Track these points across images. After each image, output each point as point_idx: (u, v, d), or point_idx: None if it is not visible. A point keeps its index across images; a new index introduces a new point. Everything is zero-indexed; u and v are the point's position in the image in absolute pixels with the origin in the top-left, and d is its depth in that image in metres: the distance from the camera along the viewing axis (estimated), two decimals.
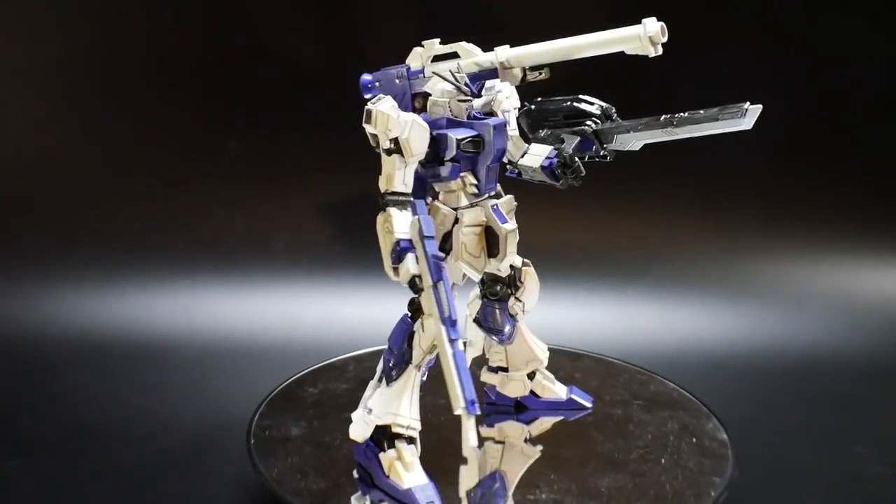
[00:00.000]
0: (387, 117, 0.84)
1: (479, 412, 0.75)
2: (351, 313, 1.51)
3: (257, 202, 1.58)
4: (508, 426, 1.09)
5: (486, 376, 1.12)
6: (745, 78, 1.56)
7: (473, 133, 0.88)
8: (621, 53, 0.94)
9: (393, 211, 0.85)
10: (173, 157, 1.58)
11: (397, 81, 0.95)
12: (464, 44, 0.94)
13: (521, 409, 1.12)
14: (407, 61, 0.96)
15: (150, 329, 1.45)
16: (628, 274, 1.45)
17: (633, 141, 0.93)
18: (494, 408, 1.12)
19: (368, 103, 0.85)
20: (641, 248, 1.54)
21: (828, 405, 1.33)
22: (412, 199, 0.86)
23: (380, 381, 0.96)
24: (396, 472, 0.92)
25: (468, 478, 0.96)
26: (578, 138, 0.92)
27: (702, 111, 0.91)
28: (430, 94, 0.93)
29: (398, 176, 0.86)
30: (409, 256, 0.84)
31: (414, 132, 0.85)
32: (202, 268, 1.54)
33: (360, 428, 0.95)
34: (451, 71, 0.91)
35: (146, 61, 1.54)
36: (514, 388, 1.11)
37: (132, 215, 1.56)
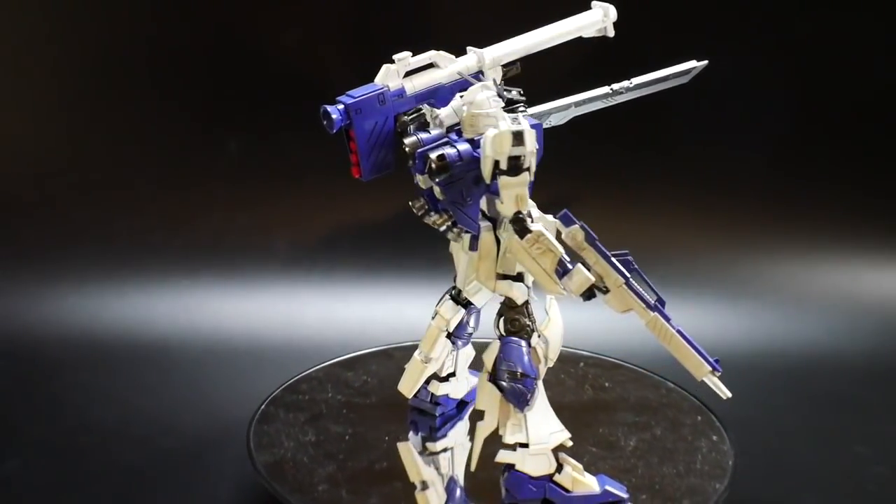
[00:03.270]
0: (533, 134, 0.81)
1: (721, 370, 0.85)
2: (351, 313, 1.51)
3: (257, 202, 1.58)
4: (454, 431, 1.07)
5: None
6: (744, 78, 1.56)
7: None
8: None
9: (543, 229, 0.83)
10: (173, 157, 1.58)
11: (379, 105, 0.87)
12: (442, 53, 0.91)
13: None
14: (379, 80, 0.89)
15: (150, 329, 1.45)
16: None
17: (567, 118, 0.94)
18: None
19: (509, 123, 0.80)
20: (641, 248, 1.53)
21: (828, 405, 1.32)
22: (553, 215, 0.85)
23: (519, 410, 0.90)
24: (581, 482, 0.90)
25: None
26: None
27: (648, 77, 0.95)
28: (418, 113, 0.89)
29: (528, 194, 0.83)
30: (579, 266, 0.83)
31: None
32: (202, 268, 1.54)
33: (542, 464, 0.90)
34: (494, 80, 0.89)
35: (146, 61, 1.54)
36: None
37: (132, 215, 1.56)
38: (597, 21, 0.97)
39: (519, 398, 0.88)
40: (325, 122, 0.87)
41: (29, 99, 1.57)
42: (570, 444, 0.91)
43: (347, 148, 0.89)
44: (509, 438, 0.89)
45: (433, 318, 1.00)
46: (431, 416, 1.08)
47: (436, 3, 1.54)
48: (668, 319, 0.85)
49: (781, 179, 1.61)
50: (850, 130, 1.61)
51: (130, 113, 1.56)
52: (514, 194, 0.82)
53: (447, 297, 1.00)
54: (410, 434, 1.07)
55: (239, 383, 1.31)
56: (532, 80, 0.94)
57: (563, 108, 0.93)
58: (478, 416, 0.92)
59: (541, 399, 0.90)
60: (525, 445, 0.89)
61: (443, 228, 0.91)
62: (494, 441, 0.91)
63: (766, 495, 1.10)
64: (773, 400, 1.33)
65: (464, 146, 0.85)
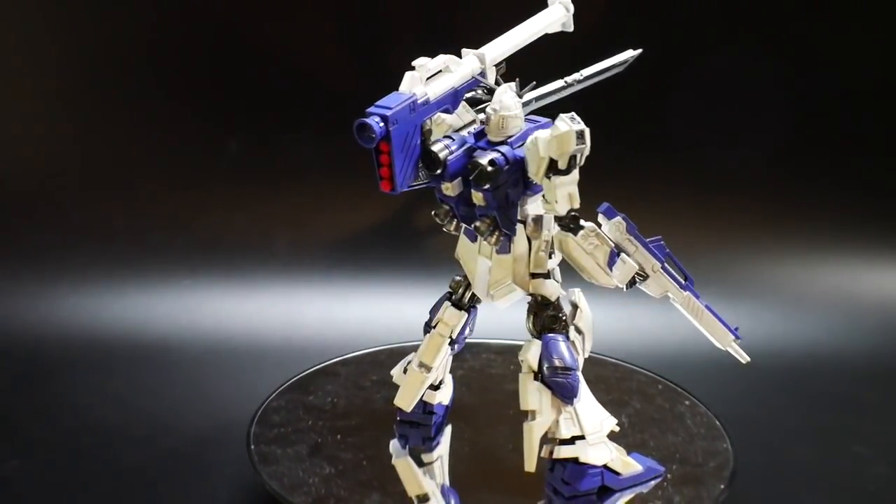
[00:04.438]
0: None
1: (742, 338, 0.93)
2: (351, 313, 1.51)
3: (258, 202, 1.57)
4: (444, 438, 1.07)
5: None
6: (744, 78, 1.56)
7: None
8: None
9: (593, 224, 0.87)
10: (173, 157, 1.58)
11: (410, 114, 0.84)
12: (453, 57, 0.90)
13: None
14: (405, 88, 0.85)
15: (151, 329, 1.45)
16: None
17: (527, 112, 0.95)
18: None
19: (570, 123, 0.82)
20: None
21: (828, 405, 1.32)
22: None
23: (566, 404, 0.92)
24: (630, 463, 0.94)
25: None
26: None
27: (595, 68, 0.98)
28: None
29: None
30: (624, 256, 0.88)
31: None
32: (202, 268, 1.54)
33: (603, 452, 0.93)
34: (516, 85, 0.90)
35: (147, 61, 1.54)
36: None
37: (132, 215, 1.56)
38: (560, 17, 0.97)
39: (568, 392, 0.90)
40: (360, 136, 0.82)
41: (29, 99, 1.57)
42: (617, 429, 0.94)
43: (376, 162, 0.84)
44: (565, 433, 0.91)
45: (433, 326, 0.99)
46: (425, 427, 1.05)
47: (433, 4, 1.54)
48: (697, 297, 0.92)
49: (781, 179, 1.61)
50: (850, 130, 1.61)
51: (131, 113, 1.55)
52: (567, 192, 0.85)
53: (447, 303, 0.99)
54: (395, 447, 1.04)
55: (239, 383, 1.31)
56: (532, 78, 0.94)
57: (527, 104, 0.94)
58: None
59: (585, 390, 0.93)
60: (581, 437, 0.91)
61: (485, 235, 0.89)
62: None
63: (766, 495, 1.10)
64: (773, 400, 1.33)
65: (506, 149, 0.87)
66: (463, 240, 0.95)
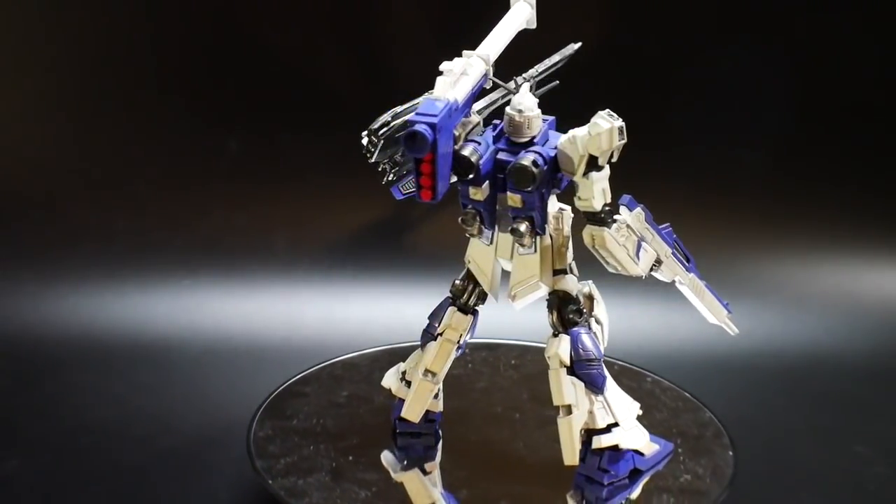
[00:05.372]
0: None
1: (732, 311, 0.98)
2: (351, 313, 1.51)
3: (258, 202, 1.57)
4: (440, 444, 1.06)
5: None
6: (744, 78, 1.56)
7: None
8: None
9: (622, 216, 0.89)
10: (173, 157, 1.58)
11: (448, 120, 0.82)
12: (468, 60, 0.89)
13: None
14: (440, 93, 0.83)
15: (150, 329, 1.45)
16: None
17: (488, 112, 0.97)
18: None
19: (611, 120, 0.84)
20: None
21: (828, 405, 1.32)
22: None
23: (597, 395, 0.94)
24: (651, 445, 0.99)
25: None
26: None
27: (543, 65, 0.99)
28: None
29: None
30: (644, 245, 0.91)
31: None
32: (202, 268, 1.54)
33: (640, 435, 0.97)
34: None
35: (147, 61, 1.54)
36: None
37: (132, 215, 1.56)
38: (528, 13, 0.96)
39: (599, 382, 0.93)
40: (410, 147, 0.79)
41: (29, 99, 1.56)
42: (640, 412, 0.98)
43: (416, 171, 0.82)
44: (601, 423, 0.93)
45: (440, 333, 0.97)
46: (427, 436, 1.04)
47: (433, 4, 1.54)
48: (700, 277, 0.97)
49: (781, 179, 1.61)
50: (851, 130, 1.61)
51: (130, 113, 1.55)
52: (602, 188, 0.87)
53: (452, 309, 0.98)
54: (390, 460, 1.02)
55: (239, 383, 1.31)
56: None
57: (492, 103, 0.96)
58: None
59: (609, 378, 0.95)
60: (616, 424, 0.94)
61: (524, 237, 0.89)
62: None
63: (766, 495, 1.10)
64: (773, 400, 1.33)
65: (540, 149, 0.87)
66: (475, 243, 0.95)
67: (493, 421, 1.10)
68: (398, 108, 0.90)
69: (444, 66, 0.86)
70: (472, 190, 0.89)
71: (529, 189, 0.86)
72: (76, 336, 1.43)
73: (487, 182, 0.88)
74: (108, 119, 1.56)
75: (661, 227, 0.93)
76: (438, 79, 0.84)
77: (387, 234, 1.57)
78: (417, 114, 0.80)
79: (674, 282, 0.96)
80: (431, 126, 0.79)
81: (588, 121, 0.86)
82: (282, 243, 1.58)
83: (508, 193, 0.88)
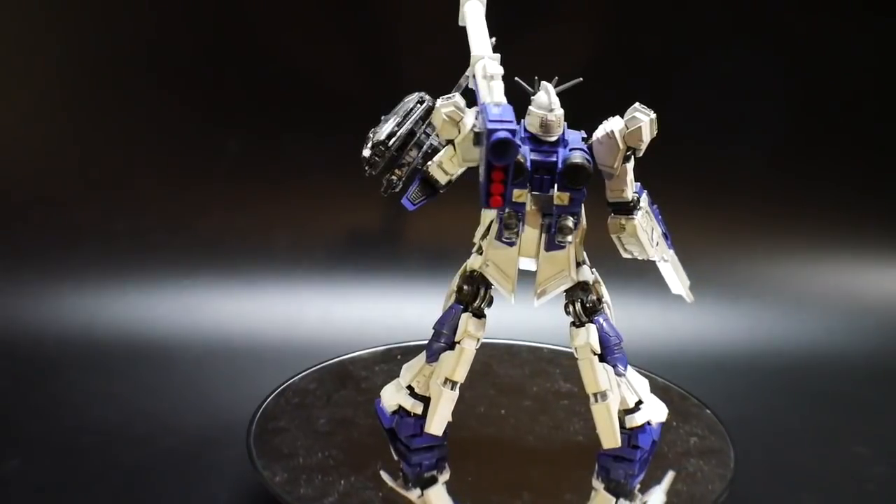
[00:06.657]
0: None
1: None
2: (351, 313, 1.51)
3: (258, 202, 1.58)
4: None
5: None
6: (744, 78, 1.56)
7: None
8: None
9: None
10: (173, 157, 1.58)
11: None
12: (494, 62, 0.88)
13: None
14: (500, 98, 0.81)
15: (150, 329, 1.45)
16: (628, 274, 1.45)
17: None
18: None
19: (647, 112, 0.88)
20: None
21: (828, 405, 1.33)
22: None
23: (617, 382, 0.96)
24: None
25: None
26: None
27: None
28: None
29: None
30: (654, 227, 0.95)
31: None
32: (202, 268, 1.54)
33: (663, 408, 1.01)
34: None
35: (147, 61, 1.54)
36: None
37: (132, 215, 1.56)
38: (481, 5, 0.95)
39: (624, 364, 0.96)
40: (498, 155, 0.74)
41: (29, 99, 1.57)
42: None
43: (487, 179, 0.77)
44: (630, 402, 0.97)
45: (456, 342, 0.95)
46: (441, 447, 1.01)
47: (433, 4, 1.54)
48: (672, 248, 0.99)
49: (781, 179, 1.61)
50: (850, 130, 1.61)
51: (131, 113, 1.55)
52: (630, 178, 0.91)
53: (467, 315, 0.96)
54: (397, 478, 0.99)
55: (239, 383, 1.31)
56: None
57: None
58: None
59: None
60: (640, 402, 0.97)
61: (571, 234, 0.90)
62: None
63: (766, 495, 1.10)
64: (773, 400, 1.33)
65: (581, 146, 0.89)
66: (493, 247, 0.93)
67: (494, 421, 1.10)
68: (397, 117, 0.90)
69: (493, 69, 0.83)
70: (516, 192, 0.88)
71: (581, 186, 0.88)
72: (76, 336, 1.43)
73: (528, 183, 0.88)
74: (109, 119, 1.56)
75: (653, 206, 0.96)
76: (493, 83, 0.82)
77: (387, 234, 1.57)
78: (491, 121, 0.75)
79: (656, 260, 0.97)
80: (512, 132, 0.74)
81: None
82: (282, 243, 1.58)
83: (556, 192, 0.88)
